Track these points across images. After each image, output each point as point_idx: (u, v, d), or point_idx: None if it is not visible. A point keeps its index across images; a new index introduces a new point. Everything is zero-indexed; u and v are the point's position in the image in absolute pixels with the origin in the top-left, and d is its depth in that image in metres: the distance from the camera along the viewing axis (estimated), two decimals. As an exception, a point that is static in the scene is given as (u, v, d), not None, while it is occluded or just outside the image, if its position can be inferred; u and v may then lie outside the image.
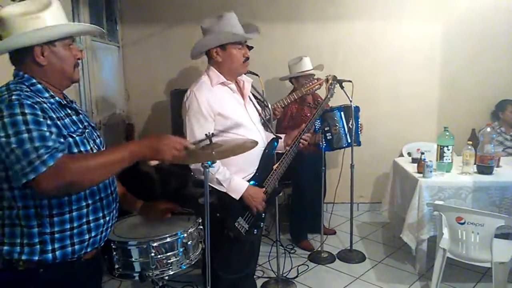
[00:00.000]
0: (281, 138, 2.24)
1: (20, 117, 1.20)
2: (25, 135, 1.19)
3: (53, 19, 1.34)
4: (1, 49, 1.35)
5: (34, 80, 1.35)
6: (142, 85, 4.52)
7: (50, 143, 1.21)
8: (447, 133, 3.16)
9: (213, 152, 1.59)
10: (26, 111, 1.22)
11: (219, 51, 2.02)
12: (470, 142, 3.15)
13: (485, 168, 3.06)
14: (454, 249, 2.58)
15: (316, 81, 3.20)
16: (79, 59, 1.44)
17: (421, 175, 3.06)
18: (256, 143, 1.77)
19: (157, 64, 4.44)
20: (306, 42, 4.34)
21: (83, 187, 1.31)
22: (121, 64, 4.45)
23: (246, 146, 1.74)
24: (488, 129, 3.16)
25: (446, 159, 3.14)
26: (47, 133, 1.22)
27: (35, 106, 1.25)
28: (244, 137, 1.95)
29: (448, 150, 3.13)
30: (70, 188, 1.27)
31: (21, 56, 1.35)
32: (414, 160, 3.43)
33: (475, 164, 3.11)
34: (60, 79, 1.41)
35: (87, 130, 1.46)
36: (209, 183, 1.76)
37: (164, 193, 3.85)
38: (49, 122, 1.26)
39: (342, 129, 3.44)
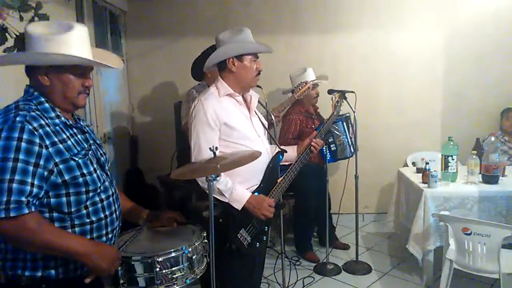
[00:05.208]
0: (286, 151, 2.24)
1: (14, 143, 1.23)
2: (10, 164, 1.21)
3: (65, 45, 1.33)
4: (5, 61, 1.40)
5: (42, 99, 1.38)
6: (146, 97, 4.56)
7: (29, 179, 1.23)
8: (452, 143, 3.15)
9: (218, 166, 1.59)
10: (24, 136, 1.25)
11: (235, 61, 2.02)
12: (475, 152, 3.14)
13: (490, 177, 3.04)
14: (461, 260, 2.56)
15: (304, 84, 3.22)
16: (87, 87, 1.43)
17: (426, 185, 3.05)
18: (260, 152, 1.80)
19: (161, 77, 4.49)
20: (308, 53, 4.36)
21: (25, 249, 1.31)
22: (125, 77, 4.49)
23: (250, 156, 1.75)
24: (493, 138, 3.16)
25: (451, 169, 3.13)
26: (31, 168, 1.24)
27: (35, 132, 1.27)
28: (249, 148, 1.95)
29: (453, 159, 3.12)
30: (14, 242, 1.29)
31: (31, 71, 1.39)
32: (418, 170, 3.41)
33: (480, 173, 3.10)
34: (62, 102, 1.41)
35: (91, 149, 1.47)
36: None
37: (168, 205, 3.85)
38: (44, 151, 1.27)
39: (346, 139, 3.43)
